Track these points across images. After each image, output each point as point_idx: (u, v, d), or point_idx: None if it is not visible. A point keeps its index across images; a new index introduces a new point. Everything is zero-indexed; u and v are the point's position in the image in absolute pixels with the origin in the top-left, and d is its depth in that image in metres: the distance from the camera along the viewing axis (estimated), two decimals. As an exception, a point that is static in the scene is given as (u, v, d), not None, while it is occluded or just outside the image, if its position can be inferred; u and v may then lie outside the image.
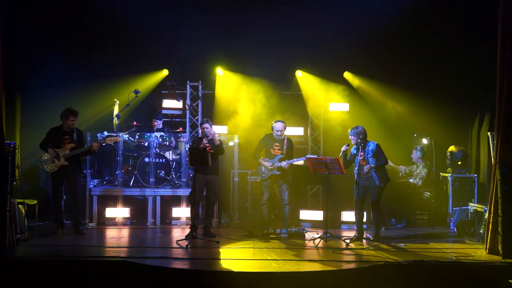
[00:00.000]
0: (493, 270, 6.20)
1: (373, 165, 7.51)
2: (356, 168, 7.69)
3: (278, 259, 6.41)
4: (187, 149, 9.19)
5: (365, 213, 8.09)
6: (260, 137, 8.46)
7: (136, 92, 9.20)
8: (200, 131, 7.94)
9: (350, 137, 7.68)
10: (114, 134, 8.74)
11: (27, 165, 9.48)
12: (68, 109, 7.92)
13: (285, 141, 8.23)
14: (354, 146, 7.74)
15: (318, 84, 10.64)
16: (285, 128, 8.24)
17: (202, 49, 10.19)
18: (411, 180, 9.29)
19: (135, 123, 9.54)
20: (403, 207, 9.15)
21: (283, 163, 8.07)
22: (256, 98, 10.49)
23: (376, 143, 7.64)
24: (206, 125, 7.83)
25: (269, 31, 10.10)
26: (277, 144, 8.20)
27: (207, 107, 10.64)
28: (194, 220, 7.52)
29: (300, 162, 8.29)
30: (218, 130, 9.68)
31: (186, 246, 7.05)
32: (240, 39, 10.12)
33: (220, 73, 10.78)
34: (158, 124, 9.82)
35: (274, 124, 8.24)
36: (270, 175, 8.13)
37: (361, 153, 7.63)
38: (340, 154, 7.70)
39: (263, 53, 10.16)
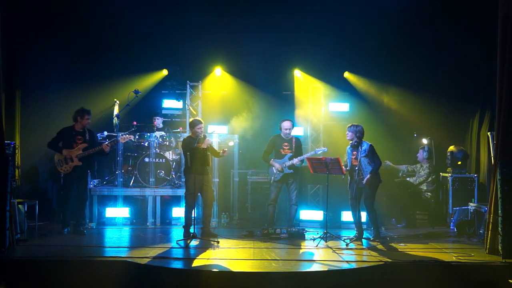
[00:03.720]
0: (493, 270, 6.20)
1: (369, 176, 7.46)
2: (348, 168, 7.69)
3: (278, 259, 6.41)
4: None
5: (364, 213, 8.09)
6: (261, 137, 8.47)
7: (136, 92, 9.20)
8: (198, 131, 7.84)
9: (347, 132, 7.66)
10: (126, 133, 8.79)
11: (27, 165, 9.47)
12: (82, 109, 7.97)
13: (294, 140, 8.24)
14: (349, 147, 7.73)
15: (317, 84, 10.64)
16: (292, 127, 8.26)
17: (202, 49, 10.19)
18: (408, 179, 9.29)
19: (135, 123, 9.54)
20: (403, 207, 9.15)
21: (295, 160, 8.06)
22: (255, 98, 10.50)
23: (370, 143, 7.62)
24: (201, 125, 7.83)
25: (269, 31, 10.10)
26: (286, 143, 8.22)
27: (207, 107, 10.64)
28: (189, 220, 7.57)
29: (309, 155, 8.18)
30: (218, 130, 9.69)
31: (186, 246, 7.06)
32: (240, 39, 10.11)
33: (220, 73, 10.79)
34: (158, 123, 9.85)
35: (281, 123, 8.25)
36: (282, 175, 8.12)
37: (354, 152, 7.63)
38: (343, 177, 7.74)
39: (262, 53, 10.16)
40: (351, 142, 7.67)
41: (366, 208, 7.68)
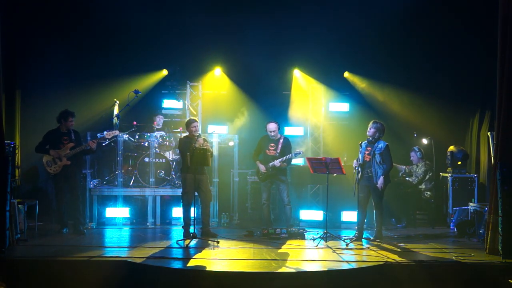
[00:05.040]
0: (493, 270, 6.19)
1: (382, 178, 7.40)
2: (359, 167, 7.61)
3: (278, 259, 6.41)
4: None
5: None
6: (259, 138, 8.45)
7: (136, 92, 9.19)
8: (193, 130, 7.84)
9: (370, 128, 7.62)
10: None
11: (27, 165, 9.49)
12: (66, 111, 8.00)
13: (281, 141, 8.18)
14: (365, 142, 7.70)
15: (317, 84, 10.64)
16: (278, 128, 8.21)
17: (202, 49, 10.19)
18: (407, 178, 9.30)
19: (135, 123, 9.55)
20: (403, 207, 9.16)
21: (276, 162, 8.06)
22: (255, 97, 10.50)
23: (386, 143, 7.58)
24: (196, 123, 7.84)
25: (269, 31, 10.10)
26: (272, 144, 8.19)
27: (207, 107, 10.64)
28: (188, 219, 7.61)
29: (290, 157, 8.13)
30: (218, 130, 9.69)
31: (186, 246, 7.06)
32: (240, 39, 10.12)
33: (219, 73, 10.79)
34: (160, 122, 9.87)
35: (267, 125, 8.22)
36: (265, 176, 8.15)
37: (369, 148, 7.61)
38: (354, 170, 7.65)
39: (262, 52, 10.15)
40: (369, 137, 7.65)
41: (374, 206, 7.64)
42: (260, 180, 8.28)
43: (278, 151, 8.12)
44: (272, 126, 8.14)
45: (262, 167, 8.13)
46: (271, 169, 8.07)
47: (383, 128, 7.62)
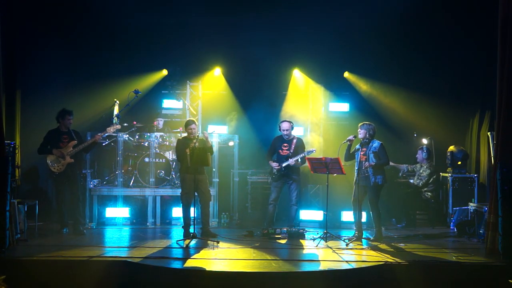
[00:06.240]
0: (493, 270, 6.20)
1: (372, 163, 7.50)
2: (357, 168, 7.67)
3: (278, 259, 6.41)
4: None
5: (364, 213, 8.09)
6: (261, 137, 8.49)
7: (136, 92, 9.18)
8: (189, 132, 7.84)
9: (359, 130, 7.67)
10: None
11: (27, 165, 9.48)
12: (63, 110, 8.07)
13: (294, 141, 8.24)
14: (360, 144, 7.72)
15: (317, 84, 10.63)
16: (292, 128, 8.26)
17: (202, 49, 10.19)
18: (411, 180, 9.29)
19: (135, 123, 9.54)
20: (403, 207, 9.16)
21: (290, 161, 8.07)
22: (255, 98, 10.50)
23: (380, 142, 7.63)
24: (194, 125, 7.83)
25: (269, 31, 10.11)
26: (285, 144, 8.23)
27: (207, 107, 10.64)
28: (187, 220, 7.62)
29: (304, 155, 8.18)
30: (218, 130, 9.69)
31: (186, 246, 7.06)
32: (240, 39, 10.12)
33: (219, 73, 10.79)
34: (160, 124, 9.87)
35: (280, 124, 8.26)
36: (279, 176, 8.16)
37: (364, 149, 7.63)
38: (344, 141, 7.68)
39: (262, 52, 10.15)
40: (362, 140, 7.67)
41: (370, 206, 7.66)
42: (272, 180, 8.26)
43: (292, 151, 8.16)
44: (285, 125, 8.20)
45: (275, 165, 8.14)
46: (283, 168, 8.08)
47: (371, 127, 7.65)
